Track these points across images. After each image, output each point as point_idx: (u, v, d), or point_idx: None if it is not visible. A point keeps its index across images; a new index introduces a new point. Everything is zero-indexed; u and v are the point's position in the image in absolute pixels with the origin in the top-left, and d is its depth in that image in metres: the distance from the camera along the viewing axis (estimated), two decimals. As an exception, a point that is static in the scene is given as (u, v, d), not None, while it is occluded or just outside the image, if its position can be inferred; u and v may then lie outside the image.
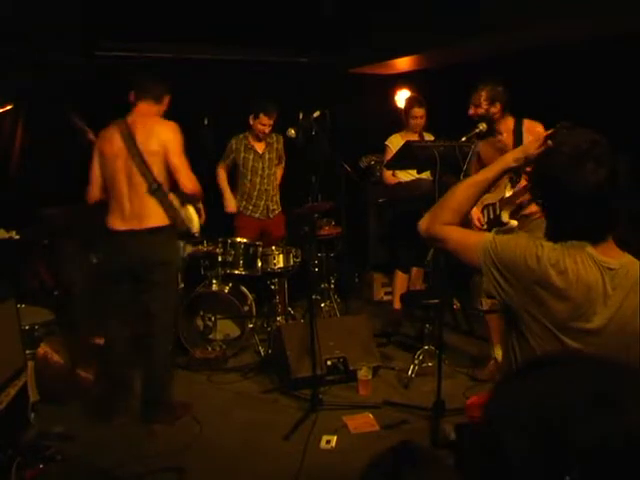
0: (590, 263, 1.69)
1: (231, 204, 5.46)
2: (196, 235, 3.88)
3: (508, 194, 3.91)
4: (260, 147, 5.45)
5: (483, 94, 3.99)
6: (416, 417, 3.82)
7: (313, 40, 5.83)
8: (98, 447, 3.45)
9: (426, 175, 4.91)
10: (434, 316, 4.63)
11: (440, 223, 1.93)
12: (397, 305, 5.40)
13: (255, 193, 5.48)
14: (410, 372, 4.37)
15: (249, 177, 5.46)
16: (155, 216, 3.58)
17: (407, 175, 5.24)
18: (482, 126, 3.83)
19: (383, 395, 4.16)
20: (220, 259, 4.96)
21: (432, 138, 5.23)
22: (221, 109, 5.49)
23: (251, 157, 5.43)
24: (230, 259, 4.97)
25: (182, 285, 5.15)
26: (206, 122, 5.52)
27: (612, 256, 1.72)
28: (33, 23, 4.58)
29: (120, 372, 3.87)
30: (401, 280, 5.42)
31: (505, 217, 3.91)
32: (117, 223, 3.62)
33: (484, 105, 3.98)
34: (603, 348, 1.67)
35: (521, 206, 3.88)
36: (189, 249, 3.88)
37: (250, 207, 5.49)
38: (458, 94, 4.25)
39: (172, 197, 3.67)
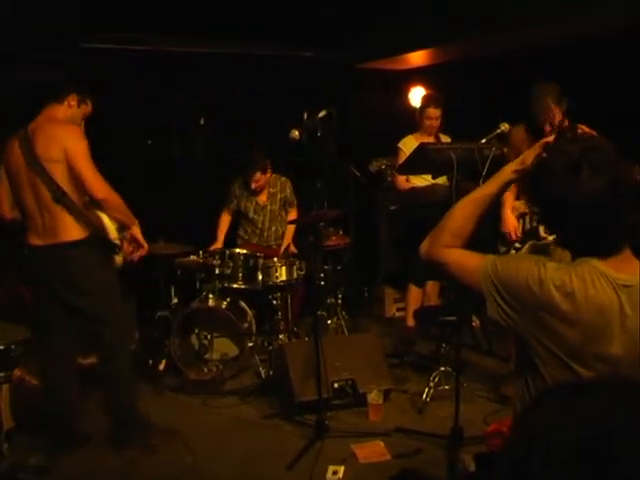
0: (602, 281, 1.67)
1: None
2: (117, 244, 3.70)
3: None
4: (262, 197, 5.57)
5: (549, 99, 3.95)
6: (431, 446, 3.78)
7: (318, 32, 5.84)
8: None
9: (442, 180, 4.89)
10: (451, 334, 4.61)
11: (440, 246, 1.93)
12: (410, 322, 5.37)
13: (256, 237, 5.62)
14: (425, 396, 4.34)
15: (250, 226, 5.63)
16: (70, 229, 3.52)
17: (421, 180, 5.23)
18: (504, 126, 3.81)
19: (395, 421, 4.13)
20: (217, 272, 4.96)
21: (449, 140, 5.22)
22: (219, 108, 5.51)
23: (252, 208, 5.58)
24: (228, 272, 4.97)
25: (175, 300, 5.16)
26: (202, 122, 5.54)
27: (628, 271, 1.70)
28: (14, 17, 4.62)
29: (58, 405, 3.78)
30: (415, 295, 5.39)
31: (543, 231, 3.92)
32: (33, 238, 3.58)
33: (557, 112, 3.94)
34: (621, 375, 1.65)
35: None
36: (119, 259, 3.76)
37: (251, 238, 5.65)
38: (477, 91, 4.25)
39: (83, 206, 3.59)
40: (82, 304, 3.64)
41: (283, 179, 5.60)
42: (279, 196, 5.59)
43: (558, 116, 3.93)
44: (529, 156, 1.89)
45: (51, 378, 3.78)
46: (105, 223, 3.67)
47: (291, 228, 5.66)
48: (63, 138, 3.49)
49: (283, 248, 5.59)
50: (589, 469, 0.75)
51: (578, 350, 1.67)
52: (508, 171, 1.95)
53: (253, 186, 5.42)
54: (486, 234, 4.43)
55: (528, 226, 4.19)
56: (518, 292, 1.72)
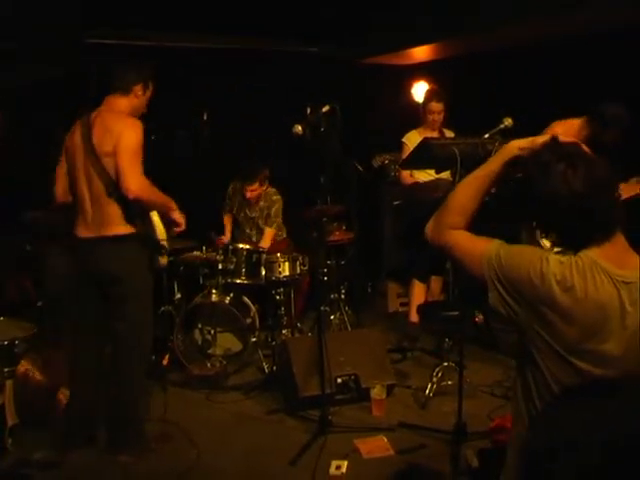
0: (602, 277, 1.67)
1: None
2: (164, 245, 3.71)
3: None
4: (253, 209, 5.62)
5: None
6: (435, 441, 3.78)
7: (321, 28, 5.83)
8: (83, 475, 3.45)
9: (446, 175, 4.88)
10: (455, 330, 4.61)
11: (445, 227, 1.92)
12: (414, 317, 5.37)
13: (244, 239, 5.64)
14: (428, 391, 4.34)
15: (238, 229, 5.72)
16: (118, 223, 3.50)
17: (425, 175, 5.23)
18: (507, 121, 3.80)
19: (398, 416, 4.13)
20: (220, 267, 4.96)
21: (453, 135, 5.21)
22: (221, 104, 5.50)
23: (242, 215, 5.65)
24: (231, 267, 4.97)
25: (179, 295, 5.17)
26: (205, 117, 5.53)
27: (629, 266, 1.70)
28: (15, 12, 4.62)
29: (84, 396, 3.75)
30: (418, 290, 5.39)
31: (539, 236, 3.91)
32: (81, 229, 3.57)
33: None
34: (622, 372, 1.63)
35: None
36: (163, 260, 3.74)
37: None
38: (481, 86, 4.25)
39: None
40: (115, 299, 3.59)
41: (275, 198, 5.60)
42: (265, 212, 5.61)
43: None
44: (540, 139, 1.88)
45: (78, 378, 3.74)
46: (155, 223, 3.69)
47: (266, 242, 5.59)
48: (118, 131, 3.44)
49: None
50: (621, 470, 0.74)
51: (577, 346, 1.67)
52: (514, 147, 1.92)
53: (248, 195, 5.47)
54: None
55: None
56: (520, 284, 1.72)
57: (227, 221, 5.75)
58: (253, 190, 5.45)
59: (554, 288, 1.66)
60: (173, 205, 3.75)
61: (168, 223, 3.79)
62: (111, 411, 3.71)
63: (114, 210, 3.48)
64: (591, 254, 1.70)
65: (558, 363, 1.69)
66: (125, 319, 3.60)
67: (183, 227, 3.84)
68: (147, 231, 3.61)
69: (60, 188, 3.69)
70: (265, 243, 5.54)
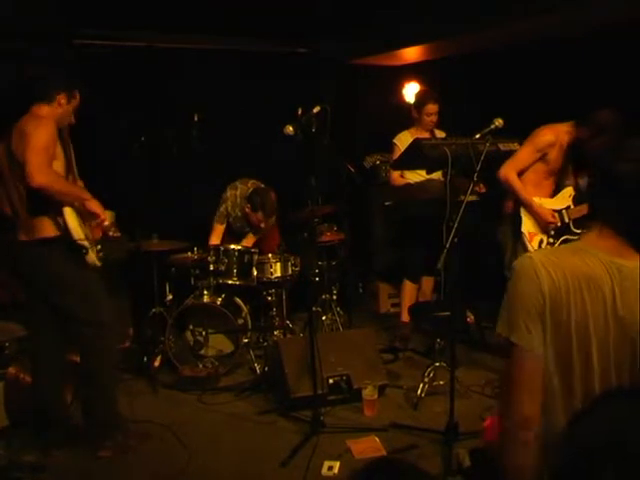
0: (594, 261, 1.67)
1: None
2: (83, 245, 3.56)
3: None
4: (250, 239, 5.52)
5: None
6: (426, 441, 3.78)
7: (312, 28, 5.83)
8: (74, 477, 3.43)
9: (437, 176, 4.89)
10: (446, 330, 4.61)
11: None
12: (405, 318, 5.38)
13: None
14: (420, 391, 4.34)
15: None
16: (44, 226, 3.50)
17: (416, 176, 5.23)
18: (498, 122, 3.81)
19: (390, 416, 4.13)
20: (212, 268, 4.95)
21: (444, 135, 5.22)
22: (212, 104, 5.49)
23: (238, 225, 5.52)
24: (223, 268, 4.96)
25: (170, 297, 5.15)
26: (196, 118, 5.52)
27: (626, 256, 1.69)
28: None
29: (46, 402, 3.77)
30: (410, 290, 5.39)
31: (573, 226, 4.12)
32: (20, 234, 3.55)
33: None
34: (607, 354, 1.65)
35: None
36: (91, 259, 3.65)
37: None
38: (472, 87, 4.26)
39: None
40: (56, 302, 3.64)
41: (274, 230, 5.61)
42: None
43: None
44: None
45: (40, 375, 3.76)
46: (69, 224, 3.55)
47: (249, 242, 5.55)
48: (28, 132, 3.40)
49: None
50: None
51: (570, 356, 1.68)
52: None
53: (262, 226, 5.36)
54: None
55: (561, 223, 4.36)
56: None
57: (219, 231, 5.51)
58: (260, 221, 5.32)
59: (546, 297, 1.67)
60: (86, 195, 3.60)
61: (87, 217, 3.65)
62: (86, 407, 3.75)
63: (39, 213, 3.49)
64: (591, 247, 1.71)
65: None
66: (74, 319, 3.63)
67: (102, 217, 3.62)
68: (65, 234, 3.54)
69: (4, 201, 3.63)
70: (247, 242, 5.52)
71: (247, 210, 5.32)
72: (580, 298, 1.65)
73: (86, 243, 3.58)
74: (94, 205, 3.59)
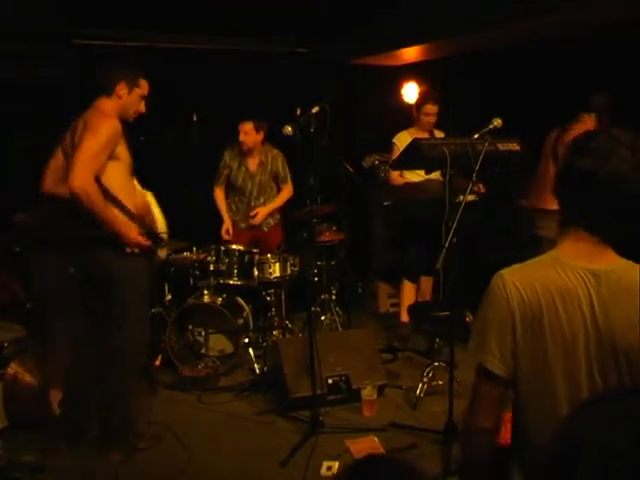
0: (567, 272, 1.67)
1: (226, 230, 5.47)
2: (162, 238, 3.57)
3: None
4: (252, 164, 5.46)
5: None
6: (425, 441, 3.79)
7: (312, 28, 5.82)
8: (73, 477, 3.42)
9: (436, 176, 4.89)
10: (445, 330, 4.61)
11: None
12: (404, 318, 5.37)
13: (244, 209, 5.51)
14: (419, 391, 4.34)
15: (237, 196, 5.53)
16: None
17: (415, 176, 5.22)
18: (497, 122, 3.80)
19: (389, 416, 4.13)
20: (212, 268, 4.95)
21: (443, 135, 5.22)
22: (211, 104, 5.48)
23: (241, 176, 5.47)
24: (223, 268, 4.96)
25: (169, 297, 5.15)
26: (195, 118, 5.51)
27: (600, 261, 1.69)
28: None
29: (81, 392, 3.74)
30: (409, 290, 5.39)
31: None
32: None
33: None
34: (584, 362, 1.66)
35: None
36: (162, 253, 3.57)
37: (238, 218, 5.52)
38: (470, 87, 4.25)
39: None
40: (119, 297, 3.50)
41: (275, 152, 5.48)
42: (269, 167, 5.48)
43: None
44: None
45: (81, 365, 3.72)
46: (155, 215, 3.57)
47: (281, 199, 5.57)
48: (88, 124, 3.33)
49: (267, 209, 5.48)
50: None
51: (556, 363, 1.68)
52: None
53: (241, 137, 5.28)
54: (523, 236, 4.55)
55: None
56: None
57: (220, 195, 5.52)
58: (247, 132, 5.26)
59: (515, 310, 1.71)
60: (131, 234, 3.43)
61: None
62: (102, 411, 3.68)
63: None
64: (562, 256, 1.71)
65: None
66: (114, 321, 3.55)
67: (145, 245, 3.49)
68: (145, 223, 3.49)
69: (49, 179, 3.60)
70: (281, 200, 5.53)
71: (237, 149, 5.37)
72: (554, 311, 1.66)
73: (165, 236, 3.55)
74: (133, 238, 3.43)
